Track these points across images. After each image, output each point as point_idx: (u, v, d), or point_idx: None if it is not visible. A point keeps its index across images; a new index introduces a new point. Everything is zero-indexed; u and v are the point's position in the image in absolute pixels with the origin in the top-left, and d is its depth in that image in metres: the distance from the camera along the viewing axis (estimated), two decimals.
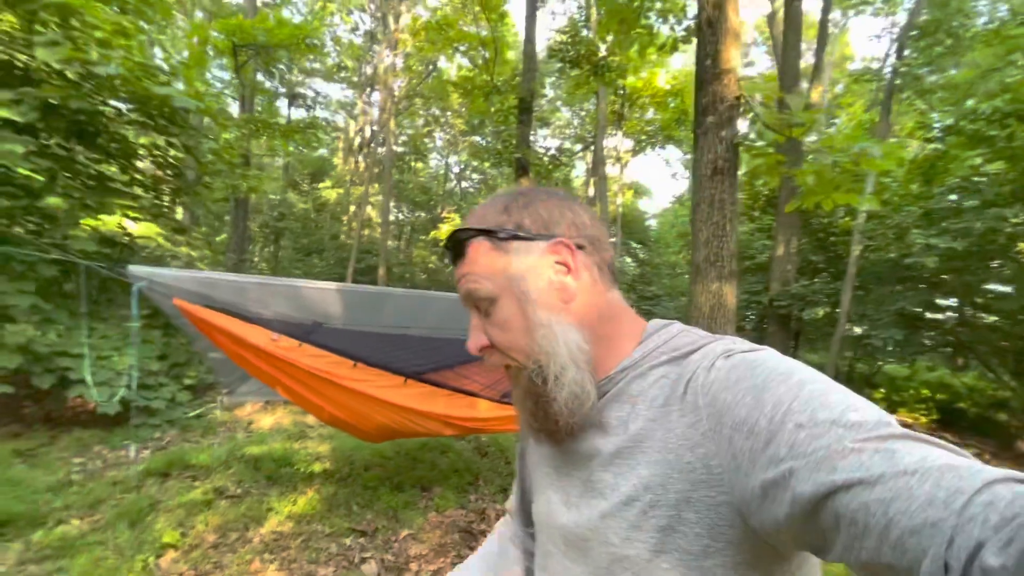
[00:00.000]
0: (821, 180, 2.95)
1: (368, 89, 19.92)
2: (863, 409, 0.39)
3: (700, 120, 2.84)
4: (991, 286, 6.08)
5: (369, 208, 20.24)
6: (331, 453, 3.98)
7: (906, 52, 7.46)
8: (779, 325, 7.73)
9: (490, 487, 3.64)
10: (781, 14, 11.07)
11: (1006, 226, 4.79)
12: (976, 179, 5.69)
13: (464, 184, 25.73)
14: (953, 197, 5.79)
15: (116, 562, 2.33)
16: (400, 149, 21.69)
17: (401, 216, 24.53)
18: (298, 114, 19.05)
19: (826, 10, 9.74)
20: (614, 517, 0.51)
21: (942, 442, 0.36)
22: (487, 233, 0.56)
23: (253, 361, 2.54)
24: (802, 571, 0.48)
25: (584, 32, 16.53)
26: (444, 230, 19.32)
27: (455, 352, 3.31)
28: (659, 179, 48.13)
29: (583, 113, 23.70)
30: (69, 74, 4.08)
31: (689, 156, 23.51)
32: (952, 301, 6.77)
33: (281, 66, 15.37)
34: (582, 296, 0.55)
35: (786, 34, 8.04)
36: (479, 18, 18.18)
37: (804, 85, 11.02)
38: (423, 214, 25.85)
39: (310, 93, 20.20)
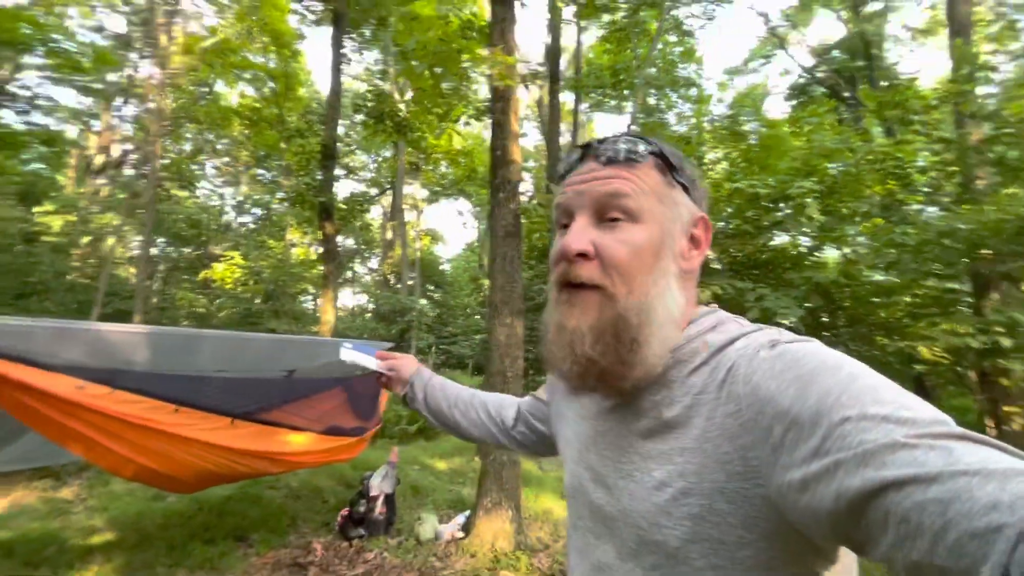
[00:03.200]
0: None
1: (121, 101, 16.87)
2: (917, 407, 0.37)
3: (495, 195, 3.72)
4: None
5: (111, 241, 16.67)
6: (110, 523, 3.48)
7: None
8: None
9: (310, 524, 3.70)
10: (546, 99, 13.76)
11: None
12: None
13: (244, 219, 23.31)
14: None
15: None
16: (161, 174, 18.69)
17: (154, 251, 20.80)
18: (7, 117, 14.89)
19: (576, 105, 12.59)
20: (644, 501, 0.50)
21: (1003, 444, 0.34)
22: (671, 166, 0.55)
23: (47, 414, 2.28)
24: (837, 566, 0.46)
25: (380, 83, 17.31)
26: (219, 270, 17.18)
27: (280, 391, 3.40)
28: (451, 227, 51.21)
29: (379, 159, 24.30)
30: None
31: (479, 208, 26.05)
32: None
33: None
34: (690, 276, 0.57)
35: (550, 123, 10.13)
36: (267, 49, 17.42)
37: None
38: (188, 250, 22.37)
39: (26, 93, 16.03)
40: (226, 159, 21.23)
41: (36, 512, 3.62)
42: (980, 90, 5.66)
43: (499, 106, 3.73)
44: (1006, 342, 3.24)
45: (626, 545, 0.52)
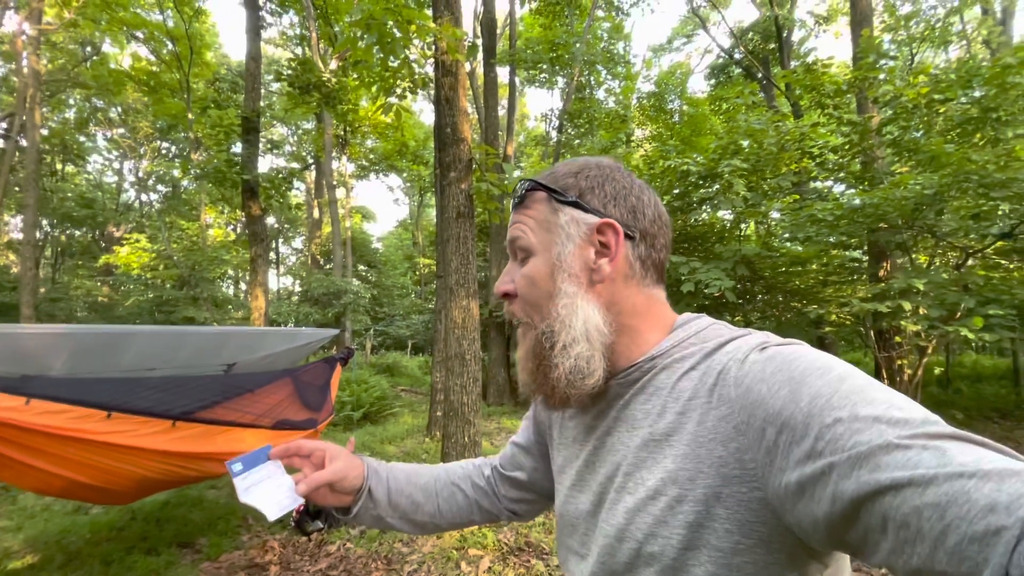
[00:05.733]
0: None
1: None
2: (907, 407, 0.37)
3: (444, 174, 3.62)
4: None
5: None
6: (29, 545, 3.13)
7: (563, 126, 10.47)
8: (497, 331, 9.47)
9: (263, 522, 3.54)
10: (479, 71, 13.49)
11: None
12: None
13: (149, 196, 21.08)
14: None
15: None
16: (42, 146, 16.37)
17: (39, 235, 18.32)
18: None
19: (512, 80, 12.42)
20: (639, 512, 0.50)
21: (994, 443, 0.34)
22: (549, 190, 0.58)
23: None
24: (836, 570, 0.47)
25: (300, 51, 16.05)
26: (123, 254, 15.50)
27: (218, 388, 3.17)
28: (382, 203, 49.51)
29: (299, 132, 22.72)
30: None
31: (410, 184, 25.26)
32: None
33: None
34: (614, 283, 0.56)
35: (486, 97, 9.94)
36: (164, 5, 15.58)
37: (500, 133, 13.64)
38: (80, 232, 19.93)
39: None
40: (121, 130, 18.93)
41: None
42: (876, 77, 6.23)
43: (447, 81, 3.60)
44: (907, 306, 3.70)
45: (619, 561, 0.51)
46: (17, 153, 12.62)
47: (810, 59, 6.66)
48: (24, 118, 11.27)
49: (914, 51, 14.43)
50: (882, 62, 5.61)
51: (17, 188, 15.47)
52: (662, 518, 0.48)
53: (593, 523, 0.57)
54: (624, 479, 0.53)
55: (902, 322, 4.21)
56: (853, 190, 6.29)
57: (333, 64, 13.64)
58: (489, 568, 2.82)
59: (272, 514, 0.67)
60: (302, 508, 2.96)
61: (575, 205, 0.56)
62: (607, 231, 0.55)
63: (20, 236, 14.80)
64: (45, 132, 16.28)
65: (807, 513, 0.39)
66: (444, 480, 0.80)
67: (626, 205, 0.57)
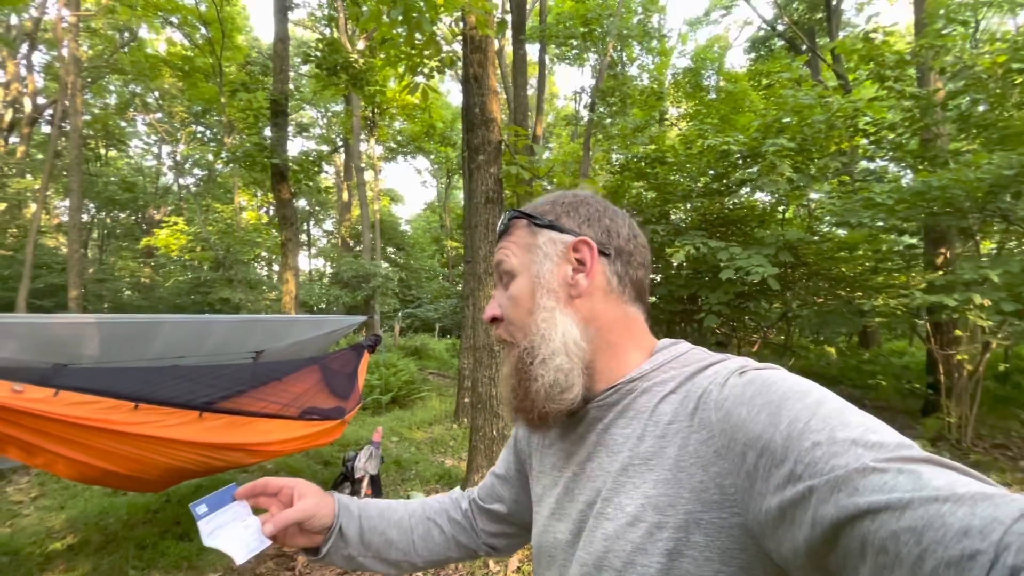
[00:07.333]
0: None
1: (26, 48, 14.92)
2: (882, 431, 0.38)
3: (473, 157, 3.45)
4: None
5: (32, 209, 15.07)
6: (69, 525, 3.21)
7: (595, 107, 10.12)
8: None
9: None
10: (507, 49, 13.15)
11: (657, 237, 7.06)
12: (642, 202, 8.11)
13: (185, 180, 21.64)
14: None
15: None
16: (84, 131, 16.89)
17: (85, 218, 19.05)
18: None
19: (542, 58, 12.06)
20: (618, 539, 0.49)
21: (967, 468, 0.35)
22: (528, 216, 0.62)
23: None
24: None
25: (328, 32, 15.98)
26: (163, 236, 15.99)
27: (246, 376, 3.15)
28: (410, 186, 49.70)
29: (327, 114, 22.82)
30: None
31: (437, 166, 25.16)
32: None
33: None
34: (591, 298, 0.58)
35: (515, 76, 9.64)
36: None
37: (529, 113, 13.31)
38: (124, 215, 20.67)
39: None
40: (158, 115, 19.38)
41: None
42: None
43: (476, 58, 3.41)
44: (978, 299, 3.37)
45: None
46: (62, 139, 13.04)
47: (869, 26, 6.12)
48: (67, 104, 11.59)
49: (978, 18, 13.28)
50: (950, 29, 5.10)
51: (64, 173, 16.08)
52: (641, 545, 0.47)
53: (571, 553, 0.56)
54: (603, 504, 0.52)
55: (969, 315, 3.87)
56: (909, 171, 5.82)
57: (361, 44, 13.53)
58: (518, 568, 2.73)
59: (240, 558, 0.63)
60: None
61: (551, 227, 0.60)
62: (582, 248, 0.58)
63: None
64: (87, 118, 16.78)
65: (788, 538, 0.38)
66: (419, 516, 0.78)
67: (600, 225, 0.60)
